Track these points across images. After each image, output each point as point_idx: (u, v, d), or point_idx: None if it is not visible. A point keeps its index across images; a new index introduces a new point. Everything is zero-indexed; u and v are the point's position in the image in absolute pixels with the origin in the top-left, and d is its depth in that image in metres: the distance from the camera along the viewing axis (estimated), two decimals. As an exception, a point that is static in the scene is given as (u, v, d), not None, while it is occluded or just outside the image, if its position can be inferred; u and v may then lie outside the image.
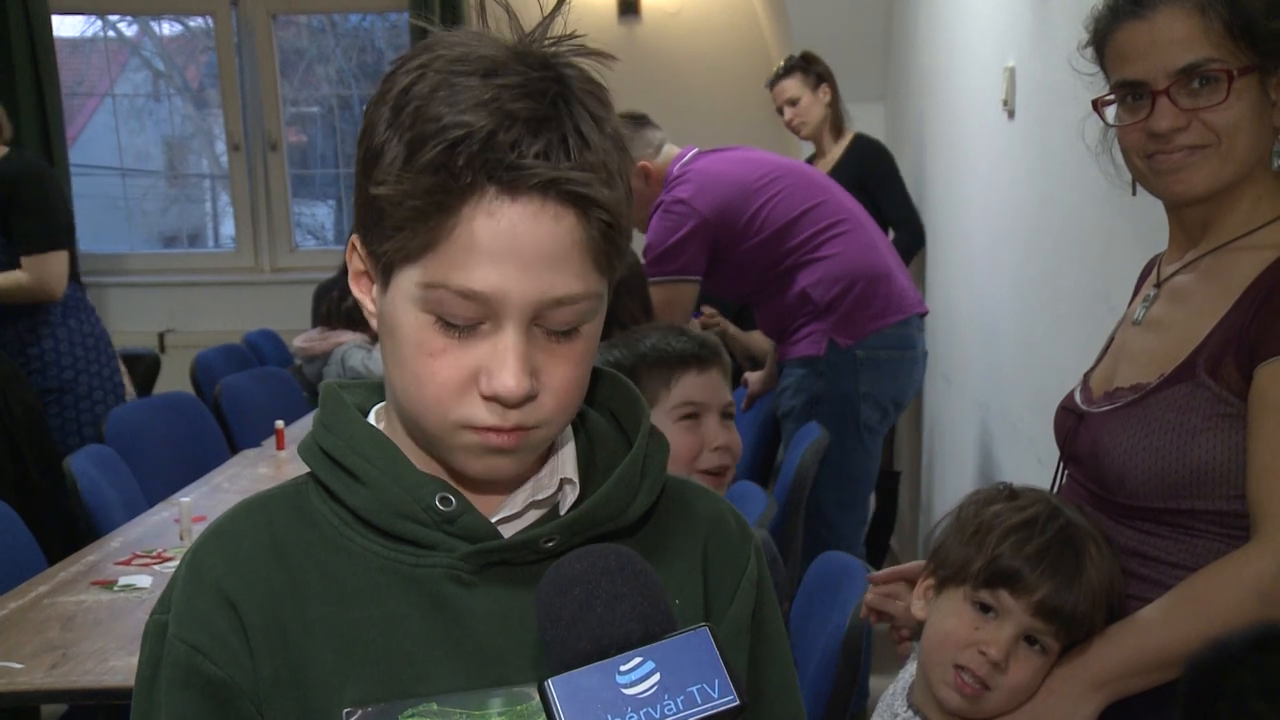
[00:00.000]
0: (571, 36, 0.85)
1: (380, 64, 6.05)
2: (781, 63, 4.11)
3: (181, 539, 2.54)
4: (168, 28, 6.19)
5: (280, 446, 3.43)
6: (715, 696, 0.71)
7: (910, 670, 1.53)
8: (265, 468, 3.27)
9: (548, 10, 0.86)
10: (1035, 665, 1.38)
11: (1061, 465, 1.59)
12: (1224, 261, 1.44)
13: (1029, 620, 1.36)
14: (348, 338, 4.23)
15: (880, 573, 1.66)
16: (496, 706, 0.86)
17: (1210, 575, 1.34)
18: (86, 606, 2.17)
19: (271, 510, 0.93)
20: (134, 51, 6.22)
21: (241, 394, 4.12)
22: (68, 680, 1.87)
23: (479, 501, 0.90)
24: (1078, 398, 1.56)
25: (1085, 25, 1.50)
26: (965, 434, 3.57)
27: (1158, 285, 1.53)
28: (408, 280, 0.83)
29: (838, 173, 3.82)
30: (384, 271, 0.85)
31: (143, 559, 2.45)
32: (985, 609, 1.38)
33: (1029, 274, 2.92)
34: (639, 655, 0.72)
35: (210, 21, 5.84)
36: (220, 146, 6.03)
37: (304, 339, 4.38)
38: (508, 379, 0.82)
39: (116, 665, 1.91)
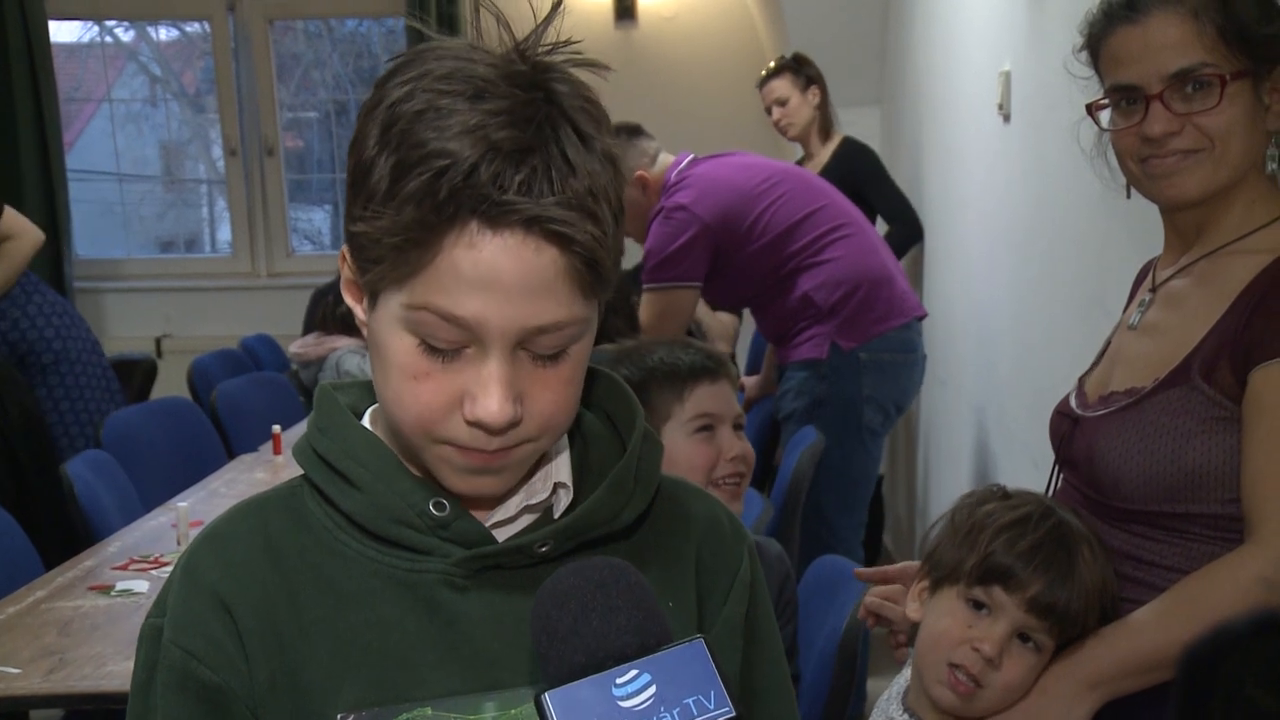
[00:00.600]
0: (566, 43, 0.85)
1: (377, 69, 6.02)
2: (772, 63, 4.12)
3: (178, 544, 2.54)
4: (165, 33, 6.19)
5: (277, 451, 3.43)
6: (711, 708, 0.71)
7: (906, 675, 1.54)
8: (262, 473, 3.27)
9: (542, 16, 0.85)
10: (1029, 663, 1.38)
11: (1056, 469, 1.59)
12: (1218, 266, 1.44)
13: (1022, 617, 1.37)
14: (343, 343, 4.23)
15: (867, 570, 1.66)
16: (490, 710, 0.86)
17: (1205, 577, 1.34)
18: (83, 612, 2.17)
19: (267, 513, 0.93)
20: (131, 57, 6.22)
21: (238, 399, 4.12)
22: (65, 685, 1.87)
23: (473, 506, 0.90)
24: (1073, 402, 1.57)
25: (1080, 29, 1.50)
26: (961, 437, 3.58)
27: (1153, 290, 1.54)
28: (393, 302, 0.83)
29: (825, 175, 3.81)
30: (371, 293, 0.86)
31: (140, 564, 2.45)
32: (979, 606, 1.39)
33: (1025, 277, 2.93)
34: (635, 668, 0.72)
35: (207, 27, 5.85)
36: (217, 151, 6.03)
37: (299, 345, 4.39)
38: (491, 405, 0.82)
39: (113, 670, 1.91)
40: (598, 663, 0.72)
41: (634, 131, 3.26)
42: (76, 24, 6.01)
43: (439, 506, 0.88)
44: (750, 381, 3.80)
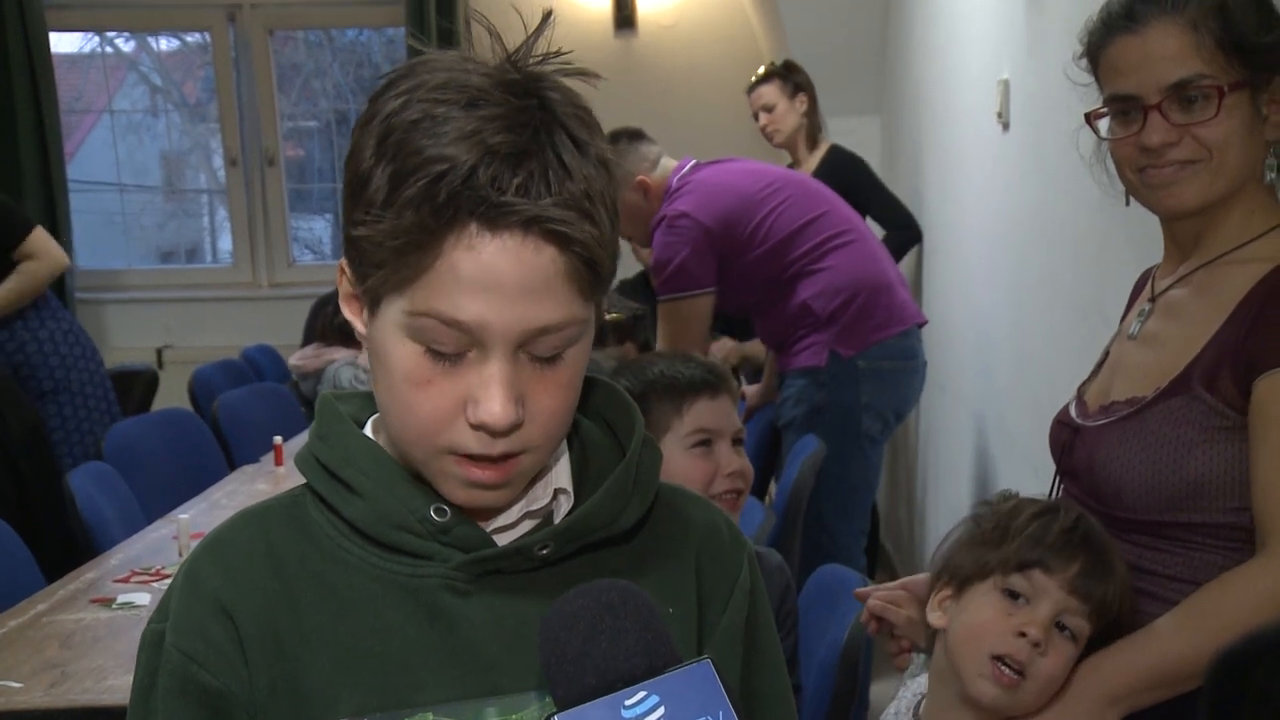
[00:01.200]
0: (558, 54, 0.86)
1: (377, 78, 6.05)
2: (762, 69, 4.13)
3: (180, 555, 2.54)
4: (165, 43, 6.20)
5: (279, 462, 3.43)
6: None
7: (914, 687, 1.53)
8: (264, 483, 3.27)
9: (534, 27, 0.86)
10: (1068, 654, 1.38)
11: (1057, 479, 1.59)
12: (1216, 275, 1.44)
13: (1064, 598, 1.37)
14: (340, 355, 4.25)
15: (866, 590, 1.66)
16: (492, 715, 0.87)
17: (1222, 589, 1.33)
18: (85, 624, 2.17)
19: (269, 521, 0.93)
20: (132, 67, 6.23)
21: (240, 410, 4.12)
22: (66, 699, 1.87)
23: (474, 514, 0.90)
24: (1073, 411, 1.57)
25: (1080, 38, 1.50)
26: (961, 443, 3.58)
27: (1152, 299, 1.54)
28: (395, 309, 0.84)
29: None
30: (371, 301, 0.86)
31: (141, 576, 2.45)
32: (1015, 596, 1.39)
33: (1024, 284, 2.93)
34: (643, 689, 0.73)
35: (208, 37, 5.86)
36: (218, 161, 6.04)
37: (298, 357, 4.40)
38: (494, 407, 0.83)
39: (115, 684, 1.90)
40: (607, 684, 0.73)
41: (635, 136, 3.26)
42: (77, 35, 6.01)
43: (440, 512, 0.89)
44: (752, 390, 3.80)
